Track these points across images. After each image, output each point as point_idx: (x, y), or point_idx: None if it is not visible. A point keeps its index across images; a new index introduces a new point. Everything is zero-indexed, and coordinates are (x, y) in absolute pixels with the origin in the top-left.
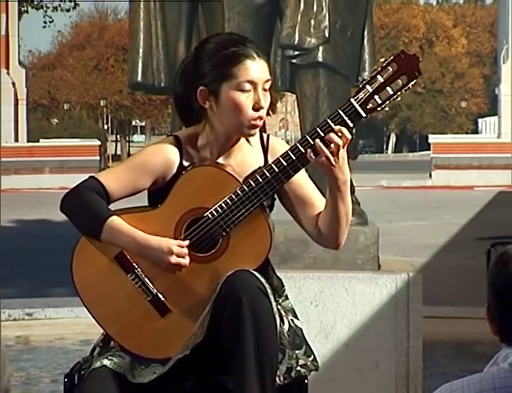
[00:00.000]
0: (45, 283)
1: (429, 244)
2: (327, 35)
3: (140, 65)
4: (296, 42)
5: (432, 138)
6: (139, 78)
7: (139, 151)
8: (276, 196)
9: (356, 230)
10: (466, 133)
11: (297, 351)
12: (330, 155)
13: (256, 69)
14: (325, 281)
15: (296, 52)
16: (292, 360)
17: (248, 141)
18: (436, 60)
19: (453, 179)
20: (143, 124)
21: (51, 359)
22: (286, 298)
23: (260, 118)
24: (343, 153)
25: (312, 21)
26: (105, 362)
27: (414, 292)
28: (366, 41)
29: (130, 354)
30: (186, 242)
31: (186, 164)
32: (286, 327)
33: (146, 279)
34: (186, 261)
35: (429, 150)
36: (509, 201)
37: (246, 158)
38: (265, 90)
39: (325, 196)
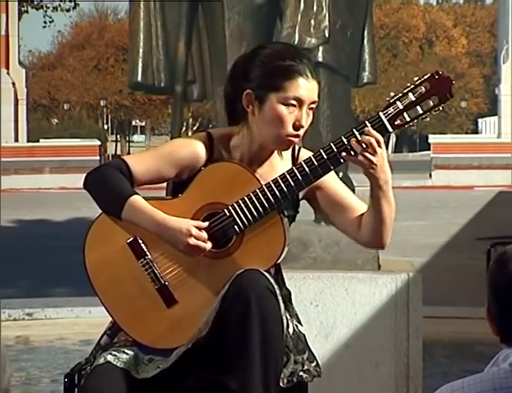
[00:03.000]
0: (45, 283)
1: (429, 244)
2: (327, 35)
3: (140, 65)
4: (296, 42)
5: (432, 138)
6: (139, 78)
7: (169, 141)
8: (308, 204)
9: None
10: (466, 133)
11: (301, 356)
12: (368, 155)
13: (307, 88)
14: (325, 281)
15: None
16: (297, 365)
17: (280, 153)
18: (436, 60)
19: (453, 179)
20: (143, 124)
21: (51, 359)
22: (291, 304)
23: (298, 136)
24: (382, 152)
25: (312, 21)
26: (109, 358)
27: (414, 292)
28: (366, 41)
29: (133, 343)
30: (206, 224)
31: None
32: (291, 331)
33: (157, 267)
34: (204, 245)
35: (429, 150)
36: (509, 201)
37: (274, 169)
38: (310, 109)
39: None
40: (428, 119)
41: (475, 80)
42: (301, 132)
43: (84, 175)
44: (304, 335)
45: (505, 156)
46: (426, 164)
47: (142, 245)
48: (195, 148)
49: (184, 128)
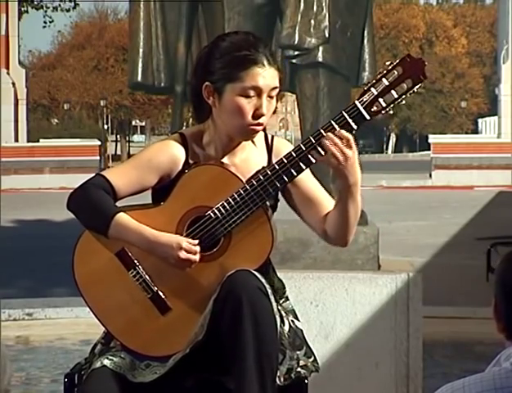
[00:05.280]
0: (45, 283)
1: (429, 244)
2: (327, 35)
3: (140, 65)
4: (296, 42)
5: (432, 138)
6: (139, 78)
7: (145, 149)
8: (281, 196)
9: (356, 230)
10: (466, 133)
11: (297, 352)
12: (337, 154)
13: (263, 76)
14: (325, 281)
15: (296, 52)
16: (293, 361)
17: (252, 141)
18: (436, 60)
19: (453, 179)
20: (143, 124)
21: (51, 359)
22: (287, 299)
23: (259, 124)
24: (350, 153)
25: (312, 21)
26: (106, 362)
27: (414, 292)
28: (366, 41)
29: (129, 352)
30: (196, 241)
31: (191, 161)
32: (287, 327)
33: (147, 276)
34: (195, 257)
35: (429, 150)
36: (509, 201)
37: (250, 157)
38: (270, 97)
39: (331, 195)
40: (427, 119)
41: (475, 80)
42: (262, 120)
43: (83, 176)
44: (302, 330)
45: (505, 156)
46: (426, 164)
47: (131, 255)
48: (172, 151)
49: (184, 128)
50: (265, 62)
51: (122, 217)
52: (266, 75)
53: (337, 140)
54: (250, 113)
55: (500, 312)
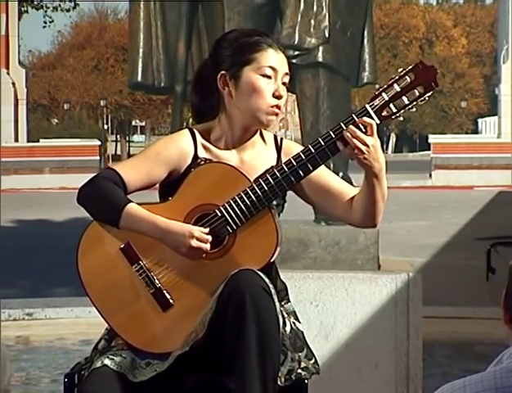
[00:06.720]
0: (45, 283)
1: (429, 244)
2: (327, 35)
3: (140, 65)
4: (296, 42)
5: (432, 138)
6: (139, 78)
7: (154, 143)
8: (296, 196)
9: (356, 230)
10: (466, 133)
11: (298, 353)
12: (360, 146)
13: (277, 58)
14: (325, 281)
15: (296, 52)
16: (294, 362)
17: (263, 139)
18: (436, 60)
19: (453, 179)
20: (143, 124)
21: (51, 359)
22: (288, 301)
23: (278, 107)
24: (373, 141)
25: (312, 21)
26: (106, 361)
27: (414, 292)
28: (366, 41)
29: (131, 349)
30: (207, 230)
31: (200, 155)
32: (288, 329)
33: (150, 272)
34: (206, 246)
35: (429, 150)
36: (509, 201)
37: (259, 155)
38: (283, 84)
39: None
40: (427, 119)
41: (475, 80)
42: (280, 102)
43: (83, 176)
44: (302, 332)
45: (505, 156)
46: (426, 164)
47: (135, 250)
48: (181, 145)
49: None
50: (276, 47)
51: (133, 207)
52: (279, 58)
53: (358, 133)
54: (270, 93)
55: (509, 302)
